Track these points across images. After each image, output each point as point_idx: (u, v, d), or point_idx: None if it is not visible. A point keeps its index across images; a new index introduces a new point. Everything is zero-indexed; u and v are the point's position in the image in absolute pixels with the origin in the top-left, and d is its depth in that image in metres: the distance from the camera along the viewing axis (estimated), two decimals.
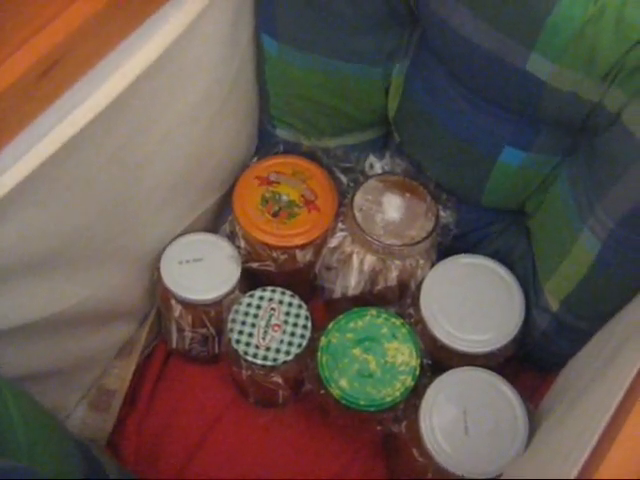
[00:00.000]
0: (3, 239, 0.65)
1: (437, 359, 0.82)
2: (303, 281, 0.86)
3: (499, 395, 0.77)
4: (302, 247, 0.83)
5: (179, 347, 0.88)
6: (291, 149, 0.87)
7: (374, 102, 0.80)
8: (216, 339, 0.85)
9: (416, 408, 0.78)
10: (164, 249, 0.85)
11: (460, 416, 0.76)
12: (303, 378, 0.83)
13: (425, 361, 0.81)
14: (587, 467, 0.49)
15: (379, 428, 0.81)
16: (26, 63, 0.60)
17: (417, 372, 0.79)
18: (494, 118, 0.71)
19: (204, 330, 0.85)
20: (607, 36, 0.58)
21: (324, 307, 0.90)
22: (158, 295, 0.86)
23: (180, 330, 0.85)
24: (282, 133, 0.87)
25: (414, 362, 0.79)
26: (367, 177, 0.85)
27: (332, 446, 0.92)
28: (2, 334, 0.71)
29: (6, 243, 0.65)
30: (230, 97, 0.80)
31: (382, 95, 0.79)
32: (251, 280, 0.86)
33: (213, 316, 0.84)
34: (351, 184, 0.86)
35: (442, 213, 0.84)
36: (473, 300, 0.82)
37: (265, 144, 0.89)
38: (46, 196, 0.66)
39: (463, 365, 0.80)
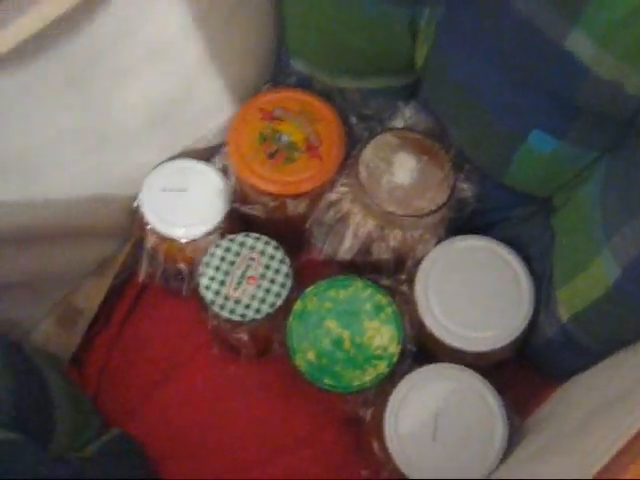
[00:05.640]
0: None
1: (423, 347, 0.74)
2: (293, 234, 0.77)
3: (479, 402, 0.68)
4: (295, 197, 0.74)
5: (148, 278, 0.81)
6: (306, 84, 0.77)
7: (398, 47, 0.69)
8: (188, 278, 0.78)
9: (386, 397, 0.70)
10: (150, 172, 0.77)
11: (430, 418, 0.68)
12: (273, 339, 0.76)
13: (408, 347, 0.73)
14: None
15: (345, 408, 0.75)
16: None
17: (394, 360, 0.71)
18: (526, 94, 0.59)
19: (178, 266, 0.78)
20: None
21: (311, 266, 0.82)
22: (137, 219, 0.79)
23: (152, 261, 0.78)
24: (297, 64, 0.76)
25: (393, 348, 0.71)
26: (384, 129, 0.75)
27: (304, 407, 0.85)
28: None
29: None
30: (238, 12, 0.69)
31: (408, 41, 0.68)
32: (237, 223, 0.78)
33: (188, 254, 0.76)
34: (365, 134, 0.76)
35: (461, 185, 0.74)
36: (476, 289, 0.72)
37: (280, 75, 0.79)
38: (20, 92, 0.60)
39: (450, 360, 0.72)
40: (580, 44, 0.50)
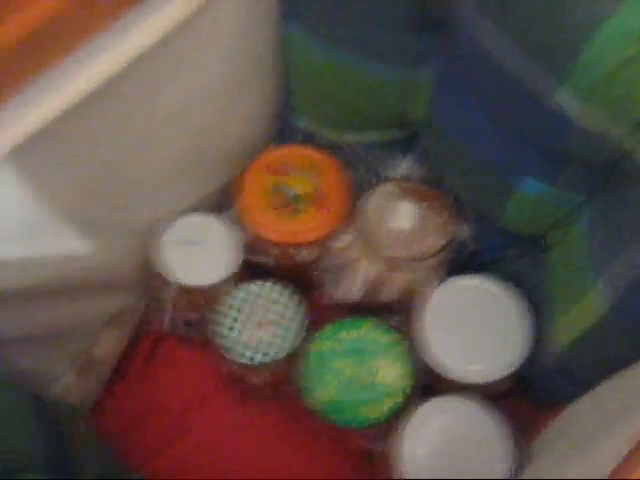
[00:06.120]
0: None
1: (429, 381, 0.78)
2: (302, 279, 0.82)
3: (486, 430, 0.72)
4: (303, 246, 0.78)
5: (166, 327, 0.85)
6: (310, 140, 0.82)
7: (398, 106, 0.75)
8: (204, 326, 0.82)
9: (398, 431, 0.74)
10: (165, 227, 0.82)
11: (442, 448, 0.72)
12: (286, 381, 0.80)
13: (417, 382, 0.77)
14: None
15: (359, 444, 0.78)
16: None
17: (405, 395, 0.75)
18: (518, 146, 0.65)
19: (194, 314, 0.82)
20: None
21: (321, 310, 0.86)
22: (154, 270, 0.83)
23: (169, 311, 0.82)
24: (302, 123, 0.81)
25: (403, 384, 0.75)
26: (385, 179, 0.80)
27: (319, 446, 0.88)
28: None
29: None
30: (248, 82, 0.75)
31: (407, 99, 0.74)
32: (250, 269, 0.82)
33: (204, 303, 0.81)
34: (368, 184, 0.81)
35: (460, 228, 0.79)
36: (475, 326, 0.77)
37: (285, 132, 0.84)
38: (41, 164, 0.64)
39: (454, 391, 0.76)
40: (566, 100, 0.55)
